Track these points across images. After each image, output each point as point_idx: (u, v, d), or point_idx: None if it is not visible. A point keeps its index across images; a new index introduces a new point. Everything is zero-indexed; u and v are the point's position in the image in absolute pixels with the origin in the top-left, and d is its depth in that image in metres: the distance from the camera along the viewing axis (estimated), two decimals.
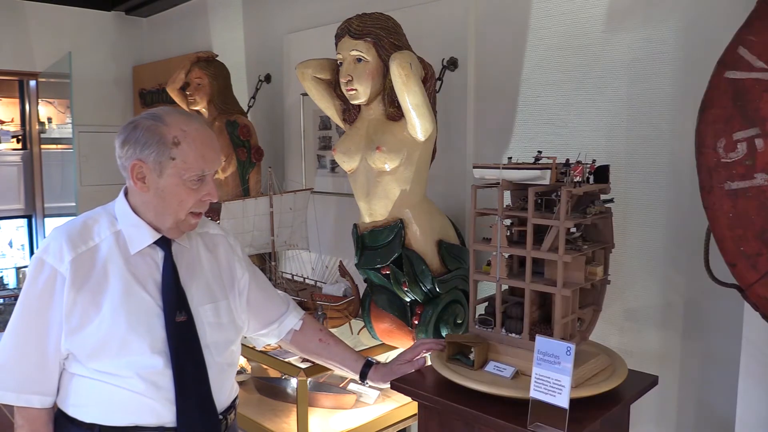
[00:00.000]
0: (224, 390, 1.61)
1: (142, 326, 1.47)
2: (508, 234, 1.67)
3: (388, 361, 1.89)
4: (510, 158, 1.77)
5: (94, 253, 1.48)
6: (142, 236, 1.52)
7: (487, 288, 1.99)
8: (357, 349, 2.32)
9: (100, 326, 1.44)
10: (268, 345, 2.51)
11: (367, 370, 1.81)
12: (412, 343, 2.18)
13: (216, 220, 2.42)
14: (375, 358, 1.84)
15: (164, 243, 1.55)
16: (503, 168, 1.64)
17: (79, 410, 1.49)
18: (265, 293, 1.81)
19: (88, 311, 1.44)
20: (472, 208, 1.70)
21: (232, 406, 1.67)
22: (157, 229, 1.53)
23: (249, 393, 2.67)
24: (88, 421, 1.47)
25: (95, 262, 1.47)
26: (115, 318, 1.44)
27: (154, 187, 1.49)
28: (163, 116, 1.48)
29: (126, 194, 1.56)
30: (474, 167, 1.72)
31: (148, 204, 1.51)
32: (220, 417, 1.58)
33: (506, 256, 1.67)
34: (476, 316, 1.74)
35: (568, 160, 1.68)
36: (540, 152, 1.71)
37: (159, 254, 1.54)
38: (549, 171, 1.60)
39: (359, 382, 1.87)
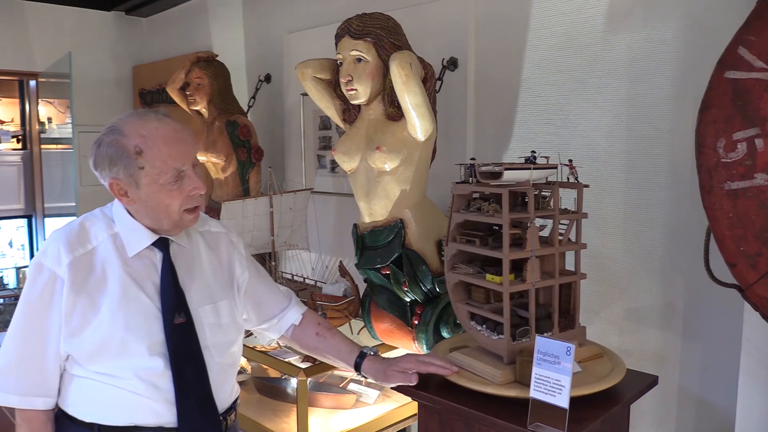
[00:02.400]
0: (225, 390, 1.61)
1: (140, 328, 1.46)
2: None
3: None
4: (473, 159, 1.78)
5: (92, 255, 1.48)
6: (139, 239, 1.52)
7: None
8: None
9: (98, 328, 1.44)
10: (270, 344, 2.52)
11: (360, 361, 1.75)
12: (412, 343, 2.18)
13: None
14: (373, 348, 1.79)
15: (162, 244, 1.54)
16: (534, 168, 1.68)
17: (78, 409, 1.49)
18: (267, 287, 1.79)
19: (87, 314, 1.44)
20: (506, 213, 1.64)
21: (233, 407, 1.66)
22: (155, 231, 1.53)
23: (249, 393, 2.67)
24: (87, 420, 1.47)
25: (93, 264, 1.47)
26: (113, 320, 1.44)
27: (137, 198, 1.48)
28: (120, 127, 1.46)
29: None
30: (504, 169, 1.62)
31: (140, 212, 1.51)
32: (221, 417, 1.58)
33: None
34: (517, 330, 1.64)
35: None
36: (534, 152, 1.71)
37: (157, 256, 1.53)
38: (555, 170, 1.66)
39: (356, 374, 1.81)
